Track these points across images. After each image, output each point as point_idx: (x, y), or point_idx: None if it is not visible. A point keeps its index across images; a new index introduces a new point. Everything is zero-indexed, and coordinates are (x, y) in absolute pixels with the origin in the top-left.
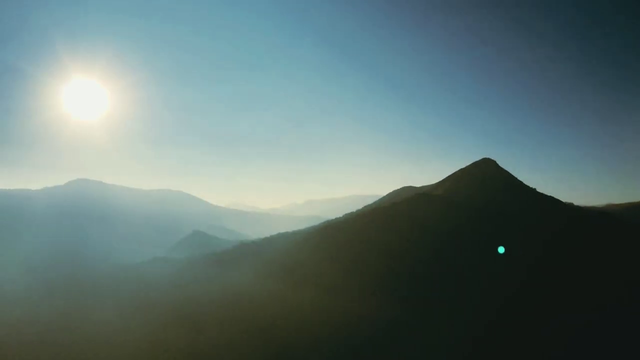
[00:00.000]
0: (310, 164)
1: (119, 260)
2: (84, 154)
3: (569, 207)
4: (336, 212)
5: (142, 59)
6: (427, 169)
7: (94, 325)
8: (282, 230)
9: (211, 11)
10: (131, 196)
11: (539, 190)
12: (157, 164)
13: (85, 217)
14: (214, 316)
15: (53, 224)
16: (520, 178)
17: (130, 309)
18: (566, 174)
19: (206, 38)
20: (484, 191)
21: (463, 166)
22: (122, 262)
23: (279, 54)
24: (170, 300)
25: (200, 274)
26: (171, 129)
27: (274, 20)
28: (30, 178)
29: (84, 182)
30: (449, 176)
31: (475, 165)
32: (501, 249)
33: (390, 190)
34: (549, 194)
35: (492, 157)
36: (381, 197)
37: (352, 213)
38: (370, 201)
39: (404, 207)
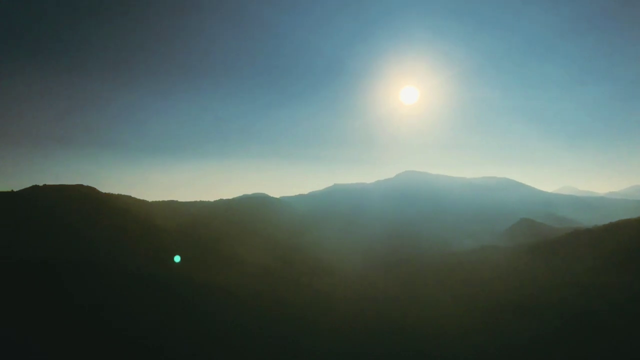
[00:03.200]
0: None
1: (447, 248)
2: (410, 148)
3: None
4: None
5: (449, 58)
6: None
7: (424, 307)
8: (623, 216)
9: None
10: (456, 185)
11: None
12: (480, 152)
13: (414, 207)
14: (547, 305)
15: (386, 214)
16: None
17: (463, 294)
18: None
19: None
20: None
21: None
22: (451, 249)
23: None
24: (502, 287)
25: (531, 262)
26: (491, 116)
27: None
28: (366, 172)
29: (411, 173)
30: None
31: None
32: None
33: None
34: None
35: None
36: None
37: None
38: None
39: None
